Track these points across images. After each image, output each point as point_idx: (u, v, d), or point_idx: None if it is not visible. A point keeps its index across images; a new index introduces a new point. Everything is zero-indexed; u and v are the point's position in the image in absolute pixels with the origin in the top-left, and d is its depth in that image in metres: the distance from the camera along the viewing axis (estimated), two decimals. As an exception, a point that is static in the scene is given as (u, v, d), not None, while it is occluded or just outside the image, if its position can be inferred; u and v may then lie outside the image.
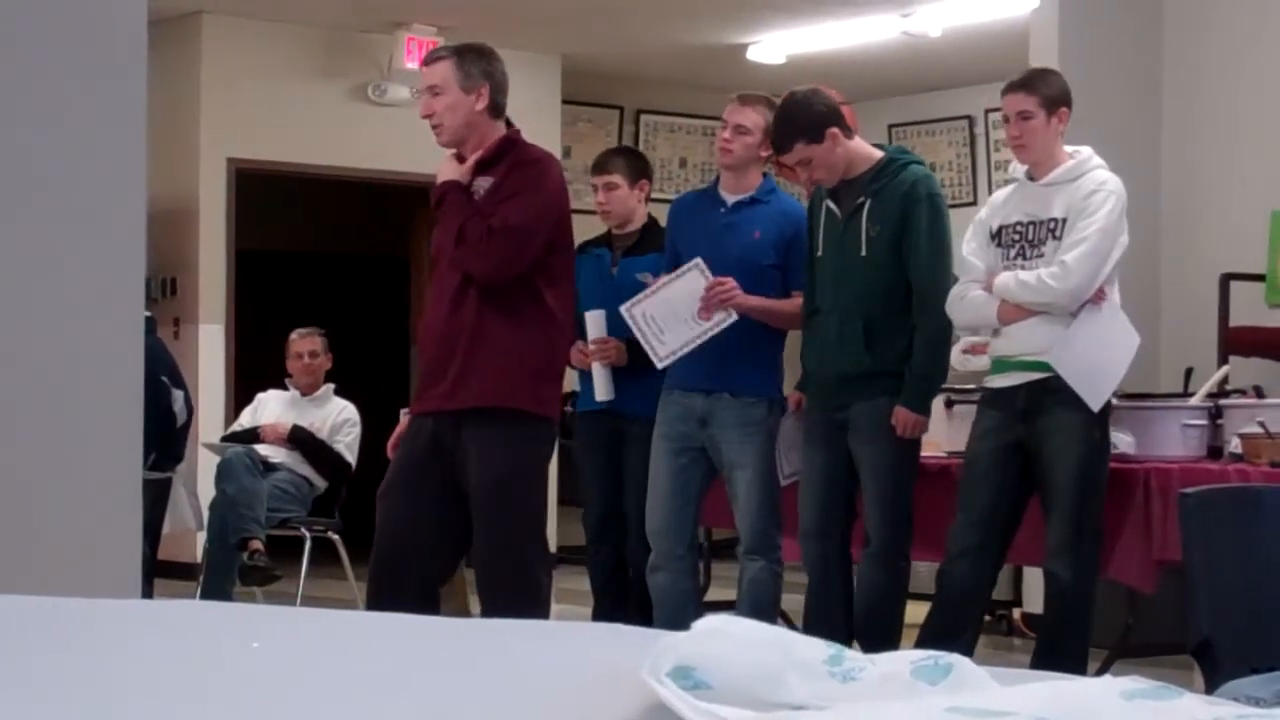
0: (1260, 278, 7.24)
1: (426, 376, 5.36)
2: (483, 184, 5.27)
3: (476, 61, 5.26)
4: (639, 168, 6.70)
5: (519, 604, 5.00)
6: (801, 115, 5.60)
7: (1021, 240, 5.38)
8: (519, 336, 5.18)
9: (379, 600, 5.37)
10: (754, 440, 5.84)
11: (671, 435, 5.97)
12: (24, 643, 1.72)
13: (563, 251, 5.31)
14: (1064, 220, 5.29)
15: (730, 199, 5.99)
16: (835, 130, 5.59)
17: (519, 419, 5.21)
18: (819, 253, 5.71)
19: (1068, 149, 5.42)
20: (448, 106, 5.23)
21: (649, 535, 6.04)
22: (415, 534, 5.30)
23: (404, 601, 5.06)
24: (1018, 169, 5.49)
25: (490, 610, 5.20)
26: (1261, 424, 5.58)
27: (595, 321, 6.43)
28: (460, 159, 5.31)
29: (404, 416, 6.52)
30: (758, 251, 5.89)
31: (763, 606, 5.82)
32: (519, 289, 5.19)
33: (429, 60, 5.31)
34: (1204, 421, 5.89)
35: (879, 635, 5.43)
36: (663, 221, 6.69)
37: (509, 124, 5.34)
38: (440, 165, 5.36)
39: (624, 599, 6.62)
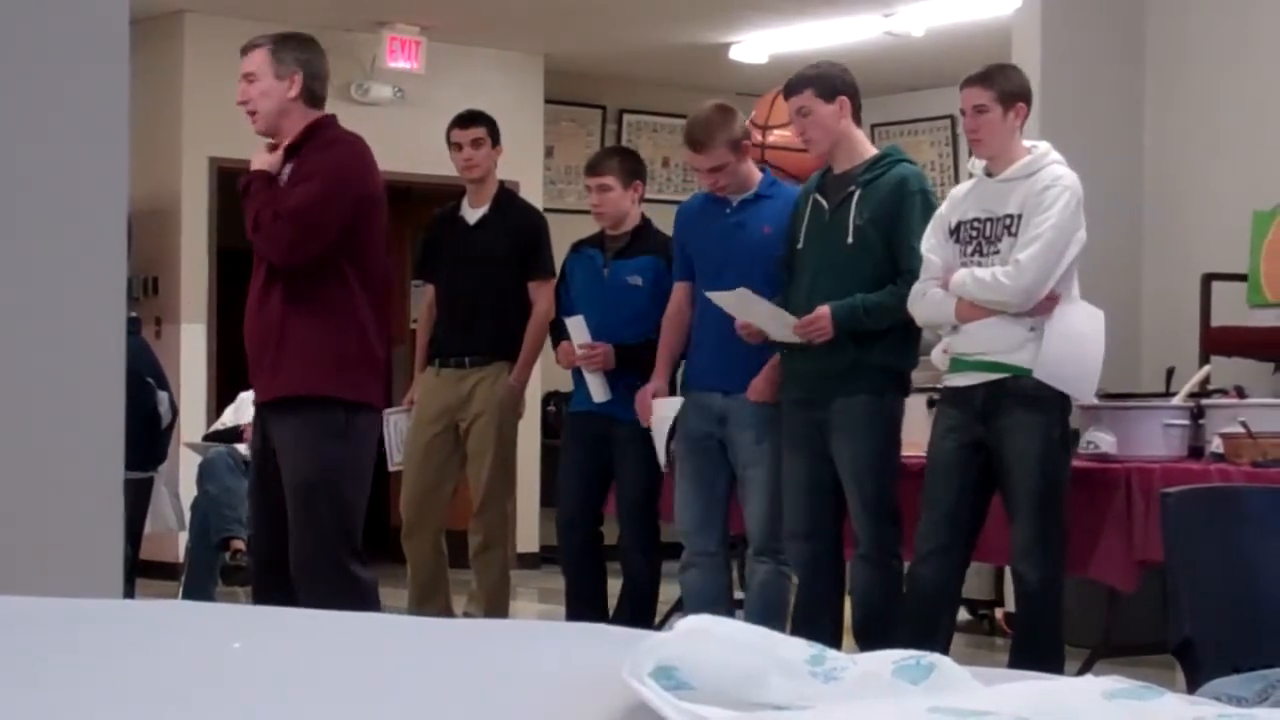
0: (1242, 278, 7.25)
1: (250, 370, 5.30)
2: (288, 170, 5.24)
3: (292, 50, 5.29)
4: (633, 169, 6.66)
5: (337, 602, 4.72)
6: (824, 73, 5.69)
7: (979, 236, 5.37)
8: (327, 324, 5.10)
9: (259, 596, 5.34)
10: (768, 441, 5.83)
11: (693, 435, 5.98)
12: (3, 643, 1.72)
13: (369, 233, 5.20)
14: (1019, 216, 5.28)
15: (735, 198, 5.99)
16: (846, 100, 5.63)
17: (330, 406, 5.12)
18: (800, 245, 5.71)
19: (1026, 143, 5.42)
20: (261, 93, 5.23)
21: (681, 536, 6.03)
22: (270, 530, 5.26)
23: (278, 594, 5.03)
24: (976, 164, 5.49)
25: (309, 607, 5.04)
26: (1243, 424, 5.58)
27: (577, 327, 6.42)
28: (275, 149, 5.27)
29: (387, 415, 6.49)
30: (768, 247, 5.88)
31: (772, 609, 5.82)
32: (325, 275, 5.11)
33: (246, 49, 5.32)
34: (1185, 421, 5.90)
35: (878, 636, 5.38)
36: (657, 223, 6.68)
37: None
38: (254, 154, 5.31)
39: (597, 599, 6.60)
